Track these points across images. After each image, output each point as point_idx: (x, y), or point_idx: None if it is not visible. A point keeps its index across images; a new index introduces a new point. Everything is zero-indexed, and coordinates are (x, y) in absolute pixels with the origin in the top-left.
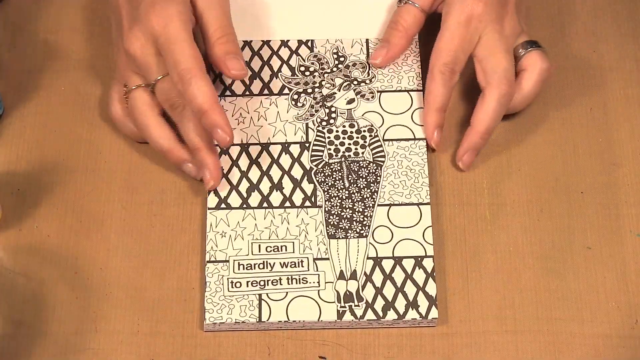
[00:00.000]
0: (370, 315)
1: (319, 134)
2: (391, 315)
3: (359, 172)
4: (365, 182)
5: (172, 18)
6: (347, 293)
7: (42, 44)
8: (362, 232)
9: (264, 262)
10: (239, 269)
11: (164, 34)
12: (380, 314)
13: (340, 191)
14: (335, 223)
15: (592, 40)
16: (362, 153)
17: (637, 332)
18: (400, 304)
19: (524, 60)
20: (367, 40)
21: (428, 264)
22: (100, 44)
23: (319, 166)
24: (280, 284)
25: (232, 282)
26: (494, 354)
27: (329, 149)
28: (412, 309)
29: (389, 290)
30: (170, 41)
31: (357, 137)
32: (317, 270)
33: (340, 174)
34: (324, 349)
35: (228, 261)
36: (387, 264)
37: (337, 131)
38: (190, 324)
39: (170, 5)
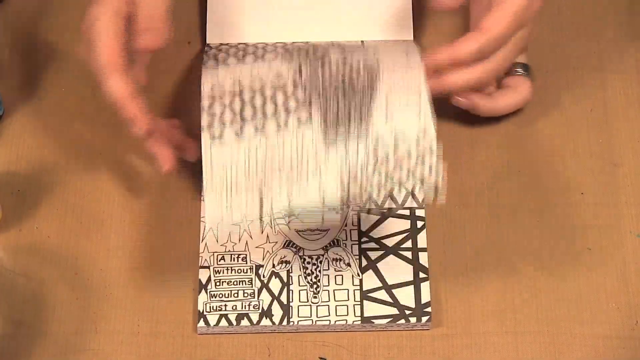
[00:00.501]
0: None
1: None
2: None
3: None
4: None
5: (102, 12)
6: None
7: (42, 45)
8: None
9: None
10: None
11: (93, 28)
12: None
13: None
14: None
15: (593, 41)
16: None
17: (637, 333)
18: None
19: (511, 79)
20: None
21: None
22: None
23: None
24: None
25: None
26: (494, 355)
27: None
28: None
29: None
30: (95, 35)
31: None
32: None
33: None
34: (324, 350)
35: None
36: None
37: None
38: (189, 324)
39: (103, 2)
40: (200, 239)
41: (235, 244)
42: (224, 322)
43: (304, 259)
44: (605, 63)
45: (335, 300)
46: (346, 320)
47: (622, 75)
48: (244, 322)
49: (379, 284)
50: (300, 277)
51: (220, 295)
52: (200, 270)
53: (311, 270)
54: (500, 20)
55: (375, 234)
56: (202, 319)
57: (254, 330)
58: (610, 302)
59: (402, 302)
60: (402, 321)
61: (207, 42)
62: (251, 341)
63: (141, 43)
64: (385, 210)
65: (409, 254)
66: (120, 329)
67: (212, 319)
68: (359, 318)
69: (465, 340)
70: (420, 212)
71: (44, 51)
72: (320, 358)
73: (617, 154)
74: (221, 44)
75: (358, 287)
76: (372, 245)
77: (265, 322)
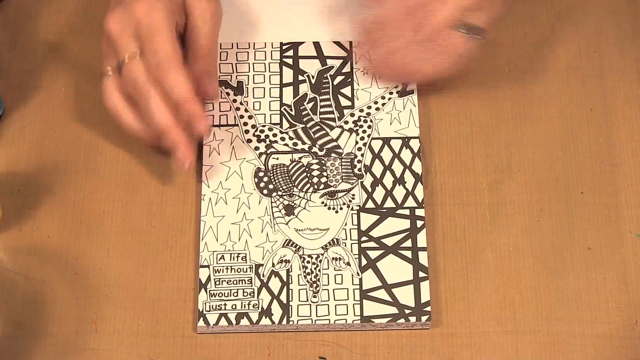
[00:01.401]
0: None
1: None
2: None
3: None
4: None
5: (157, 8)
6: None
7: (42, 44)
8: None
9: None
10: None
11: (147, 21)
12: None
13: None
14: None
15: (592, 40)
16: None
17: (637, 333)
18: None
19: (444, 36)
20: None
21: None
22: (100, 44)
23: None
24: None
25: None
26: (493, 354)
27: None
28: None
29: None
30: (152, 28)
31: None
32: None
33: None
34: (324, 349)
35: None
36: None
37: None
38: (189, 324)
39: (159, 1)
40: (201, 238)
41: (235, 242)
42: (223, 321)
43: (304, 258)
44: (605, 63)
45: (335, 300)
46: (346, 319)
47: (622, 75)
48: (244, 321)
49: (379, 283)
50: (300, 276)
51: (220, 295)
52: (200, 269)
53: (311, 269)
54: None
55: (375, 233)
56: (201, 318)
57: (254, 330)
58: (610, 301)
59: (401, 302)
60: (402, 320)
61: None
62: (251, 341)
63: (198, 68)
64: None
65: (408, 254)
66: (120, 328)
67: (212, 318)
68: (359, 317)
69: (465, 339)
70: (420, 212)
71: (44, 50)
72: (320, 357)
73: (616, 154)
74: None
75: (358, 287)
76: (372, 244)
77: (265, 321)
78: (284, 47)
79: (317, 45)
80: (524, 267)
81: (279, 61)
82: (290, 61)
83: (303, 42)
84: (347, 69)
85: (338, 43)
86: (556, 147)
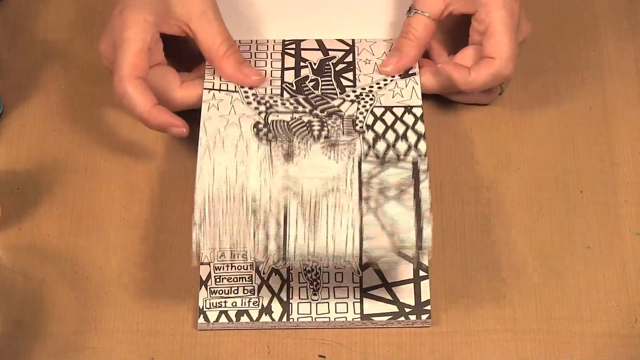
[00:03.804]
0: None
1: None
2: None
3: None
4: None
5: (132, 24)
6: None
7: (41, 44)
8: None
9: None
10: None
11: (119, 38)
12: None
13: None
14: None
15: (592, 39)
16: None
17: (637, 331)
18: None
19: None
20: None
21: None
22: (99, 43)
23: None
24: None
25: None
26: (493, 353)
27: None
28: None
29: None
30: (119, 45)
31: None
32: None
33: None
34: (324, 347)
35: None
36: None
37: None
38: (189, 323)
39: (138, 13)
40: (196, 181)
41: (234, 185)
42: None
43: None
44: (604, 62)
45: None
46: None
47: (621, 75)
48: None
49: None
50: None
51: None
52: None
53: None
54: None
55: (375, 181)
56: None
57: (254, 327)
58: (610, 300)
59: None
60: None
61: None
62: (251, 339)
63: (230, 65)
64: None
65: (410, 203)
66: (120, 327)
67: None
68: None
69: (465, 338)
70: (423, 166)
71: (44, 50)
72: (320, 356)
73: (616, 153)
74: None
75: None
76: (373, 192)
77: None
78: (286, 43)
79: (319, 41)
80: (524, 265)
81: (280, 51)
82: (292, 52)
83: (305, 40)
84: (349, 58)
85: (340, 40)
86: (556, 146)
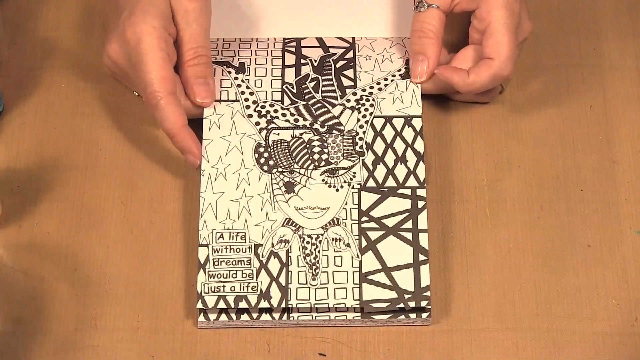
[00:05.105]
0: None
1: None
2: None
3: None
4: None
5: (144, 34)
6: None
7: (41, 42)
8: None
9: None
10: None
11: (136, 51)
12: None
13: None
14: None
15: (592, 38)
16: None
17: (637, 330)
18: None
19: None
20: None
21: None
22: (99, 41)
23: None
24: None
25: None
26: (493, 351)
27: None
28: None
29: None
30: (140, 61)
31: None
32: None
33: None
34: (324, 346)
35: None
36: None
37: None
38: (189, 321)
39: (146, 19)
40: (200, 215)
41: (235, 221)
42: (222, 304)
43: (304, 239)
44: (605, 60)
45: (334, 283)
46: (345, 303)
47: (621, 73)
48: (242, 304)
49: (379, 266)
50: (299, 257)
51: (219, 276)
52: (200, 249)
53: (310, 250)
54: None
55: (376, 213)
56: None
57: (255, 325)
58: (610, 298)
59: (401, 286)
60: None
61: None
62: (251, 337)
63: (186, 74)
64: None
65: (409, 235)
66: (120, 325)
67: (210, 300)
68: (358, 302)
69: (465, 336)
70: (421, 192)
71: (44, 47)
72: (320, 354)
73: (616, 151)
74: None
75: (357, 269)
76: (373, 225)
77: (264, 304)
78: (287, 41)
79: (320, 39)
80: (524, 265)
81: (281, 49)
82: (293, 50)
83: (306, 38)
84: (350, 55)
85: (341, 38)
86: (556, 144)
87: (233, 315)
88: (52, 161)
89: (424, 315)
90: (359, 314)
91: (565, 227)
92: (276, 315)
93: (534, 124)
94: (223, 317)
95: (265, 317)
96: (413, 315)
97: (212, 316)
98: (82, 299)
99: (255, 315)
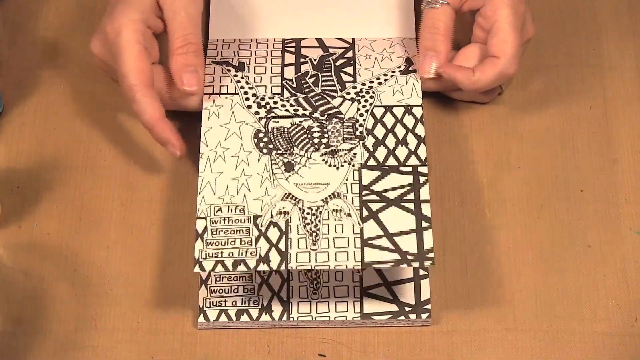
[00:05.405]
0: None
1: None
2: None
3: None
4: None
5: (122, 27)
6: None
7: (41, 42)
8: None
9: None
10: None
11: (114, 44)
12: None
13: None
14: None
15: (592, 38)
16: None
17: (637, 330)
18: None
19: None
20: None
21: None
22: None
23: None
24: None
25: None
26: (493, 352)
27: None
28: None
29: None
30: (117, 53)
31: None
32: None
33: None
34: (324, 346)
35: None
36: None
37: None
38: (189, 321)
39: (125, 13)
40: (198, 192)
41: (234, 196)
42: (223, 318)
43: (304, 210)
44: (605, 60)
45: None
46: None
47: (621, 73)
48: (244, 317)
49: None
50: (299, 226)
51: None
52: (197, 220)
53: (310, 220)
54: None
55: (377, 187)
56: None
57: (254, 326)
58: (610, 299)
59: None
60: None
61: (210, 38)
62: (251, 338)
63: (174, 63)
64: None
65: (411, 205)
66: (120, 325)
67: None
68: (359, 314)
69: (465, 336)
70: (422, 169)
71: (44, 48)
72: (320, 355)
73: (616, 151)
74: None
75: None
76: (374, 197)
77: (265, 317)
78: (286, 41)
79: (319, 40)
80: (524, 265)
81: (281, 49)
82: (292, 50)
83: (305, 38)
84: (349, 54)
85: (340, 38)
86: (556, 144)
87: (233, 316)
88: (52, 161)
89: (424, 315)
90: (359, 315)
91: (565, 227)
92: (276, 317)
93: (534, 124)
94: (223, 317)
95: (265, 317)
96: (413, 316)
97: (212, 317)
98: (82, 299)
99: (255, 315)
